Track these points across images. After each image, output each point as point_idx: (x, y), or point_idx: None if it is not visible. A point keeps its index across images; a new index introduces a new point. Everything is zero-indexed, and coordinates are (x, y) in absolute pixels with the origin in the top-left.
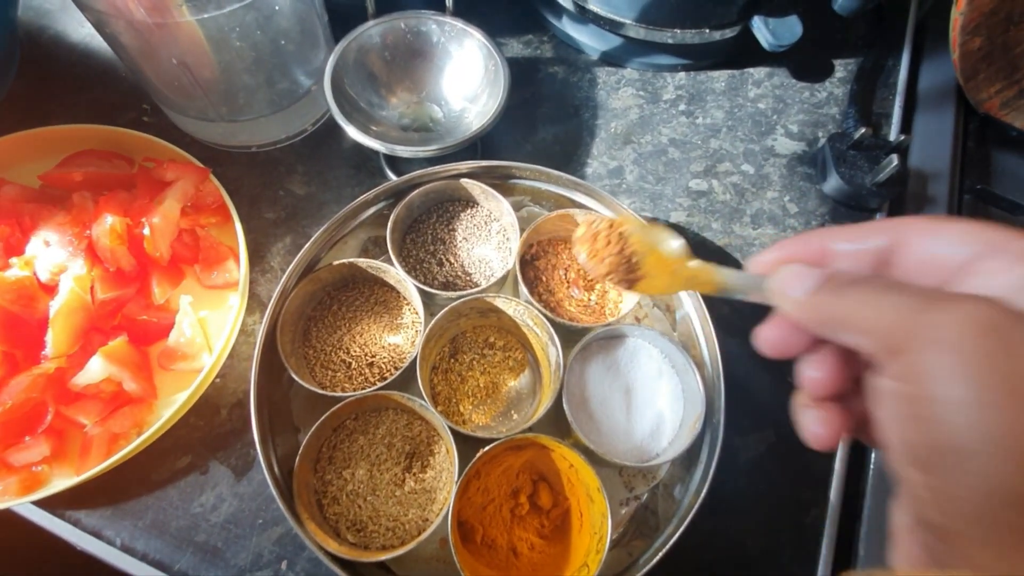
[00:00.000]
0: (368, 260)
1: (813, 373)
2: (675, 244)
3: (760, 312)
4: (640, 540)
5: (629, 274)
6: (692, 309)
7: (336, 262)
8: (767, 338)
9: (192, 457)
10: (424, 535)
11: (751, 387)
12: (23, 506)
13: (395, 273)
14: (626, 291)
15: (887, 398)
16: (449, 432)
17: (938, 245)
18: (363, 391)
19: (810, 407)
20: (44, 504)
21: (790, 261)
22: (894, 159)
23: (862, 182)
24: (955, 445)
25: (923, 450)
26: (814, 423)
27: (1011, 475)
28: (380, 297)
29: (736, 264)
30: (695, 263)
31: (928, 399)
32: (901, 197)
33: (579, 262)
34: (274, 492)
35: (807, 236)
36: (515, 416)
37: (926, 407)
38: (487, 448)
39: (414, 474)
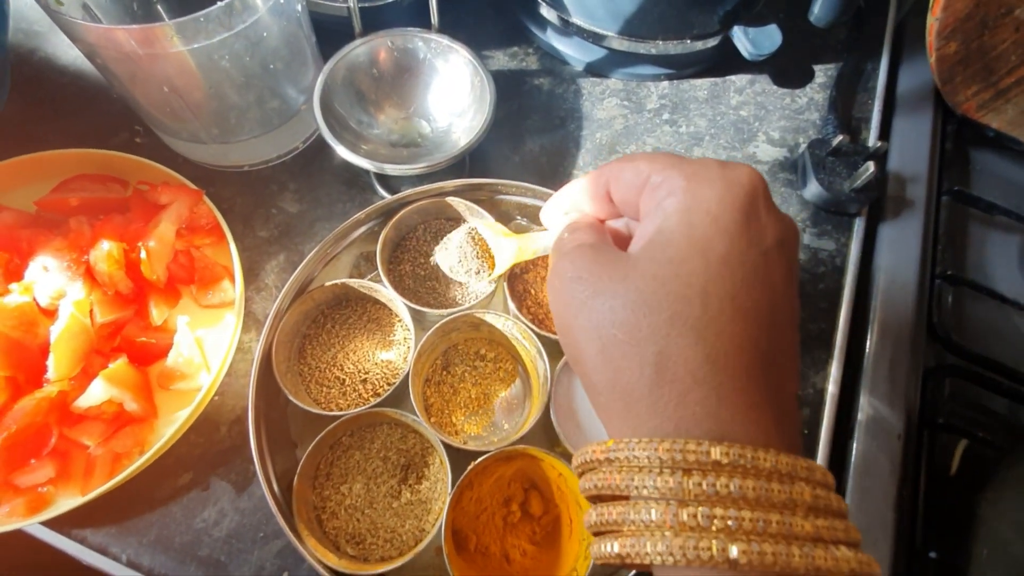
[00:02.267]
0: (360, 280)
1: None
2: (487, 231)
3: None
4: None
5: (480, 268)
6: None
7: (329, 283)
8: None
9: (193, 474)
10: (421, 545)
11: None
12: (31, 526)
13: (386, 292)
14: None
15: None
16: (442, 446)
17: (627, 176)
18: (358, 409)
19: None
20: (51, 524)
21: (559, 211)
22: (871, 166)
23: (840, 188)
24: (575, 355)
25: (570, 357)
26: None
27: (587, 373)
28: (372, 315)
29: None
30: (518, 237)
31: (557, 323)
32: (879, 200)
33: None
34: (273, 508)
35: (572, 185)
36: (506, 426)
37: (559, 327)
38: (479, 460)
39: (410, 486)
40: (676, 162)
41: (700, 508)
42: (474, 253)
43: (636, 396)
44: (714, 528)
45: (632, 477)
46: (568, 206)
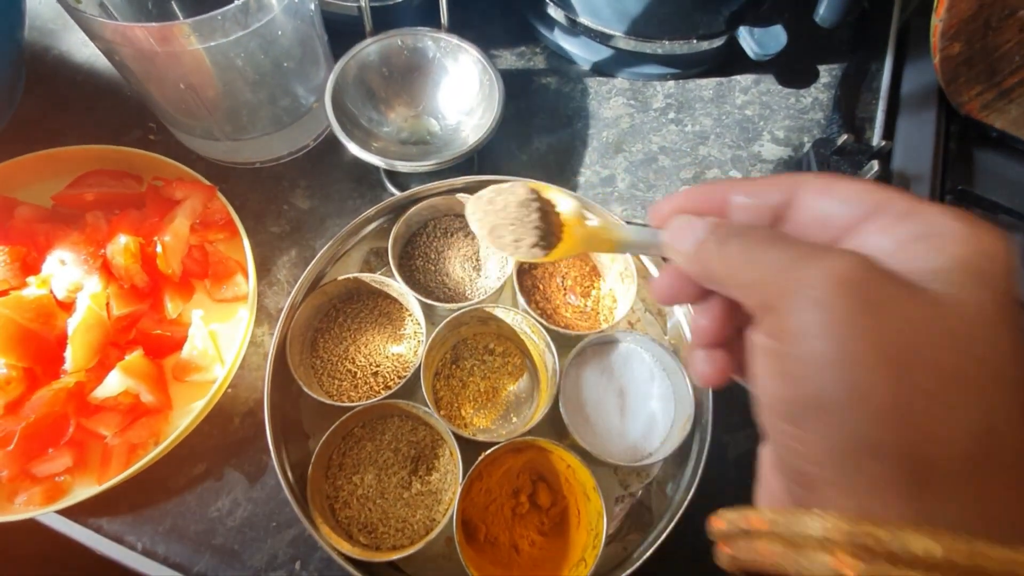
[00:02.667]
0: (371, 275)
1: (701, 321)
2: (569, 204)
3: None
4: (635, 534)
5: (538, 242)
6: (682, 316)
7: (341, 277)
8: (659, 287)
9: (207, 464)
10: (432, 535)
11: (738, 386)
12: (48, 516)
13: (397, 287)
14: (533, 260)
15: (759, 353)
16: (452, 436)
17: (828, 204)
18: (370, 401)
19: (699, 351)
20: (67, 513)
21: (685, 212)
22: (875, 165)
23: None
24: (820, 401)
25: (791, 405)
26: (701, 363)
27: (868, 427)
28: (384, 309)
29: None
30: (593, 221)
31: (794, 357)
32: None
33: (478, 236)
34: (289, 497)
35: (710, 187)
36: (514, 419)
37: (793, 364)
38: (489, 451)
39: (420, 477)
40: (910, 196)
41: None
42: (533, 220)
43: (940, 471)
44: None
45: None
46: (706, 208)
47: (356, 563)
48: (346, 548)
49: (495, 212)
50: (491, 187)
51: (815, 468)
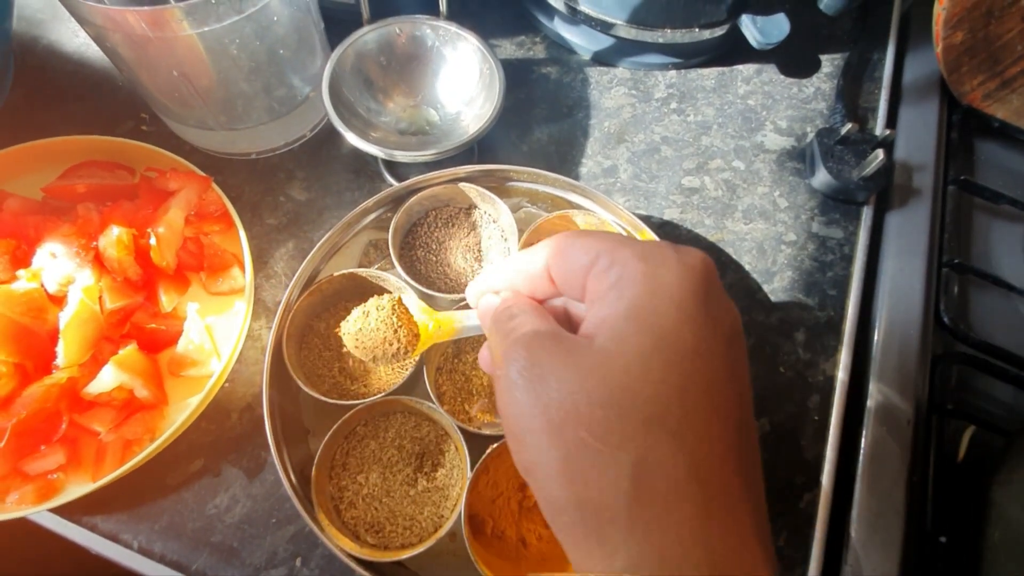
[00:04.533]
0: (368, 270)
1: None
2: (414, 304)
3: (752, 305)
4: None
5: (400, 346)
6: None
7: (338, 273)
8: (482, 358)
9: (205, 460)
10: (442, 531)
11: (757, 377)
12: (41, 514)
13: (394, 281)
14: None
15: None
16: (458, 431)
17: (569, 259)
18: (373, 398)
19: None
20: (61, 511)
21: (488, 290)
22: (880, 154)
23: (849, 176)
24: (522, 466)
25: (520, 466)
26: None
27: (552, 487)
28: None
29: (726, 259)
30: (440, 315)
31: (505, 428)
32: (887, 189)
33: (356, 355)
34: (291, 496)
35: (505, 263)
36: None
37: (506, 435)
38: (496, 444)
39: (425, 473)
40: (626, 242)
41: None
42: (392, 326)
43: (608, 516)
44: None
45: None
46: (501, 284)
47: (364, 563)
48: (354, 549)
49: (358, 327)
50: (355, 312)
51: (552, 525)
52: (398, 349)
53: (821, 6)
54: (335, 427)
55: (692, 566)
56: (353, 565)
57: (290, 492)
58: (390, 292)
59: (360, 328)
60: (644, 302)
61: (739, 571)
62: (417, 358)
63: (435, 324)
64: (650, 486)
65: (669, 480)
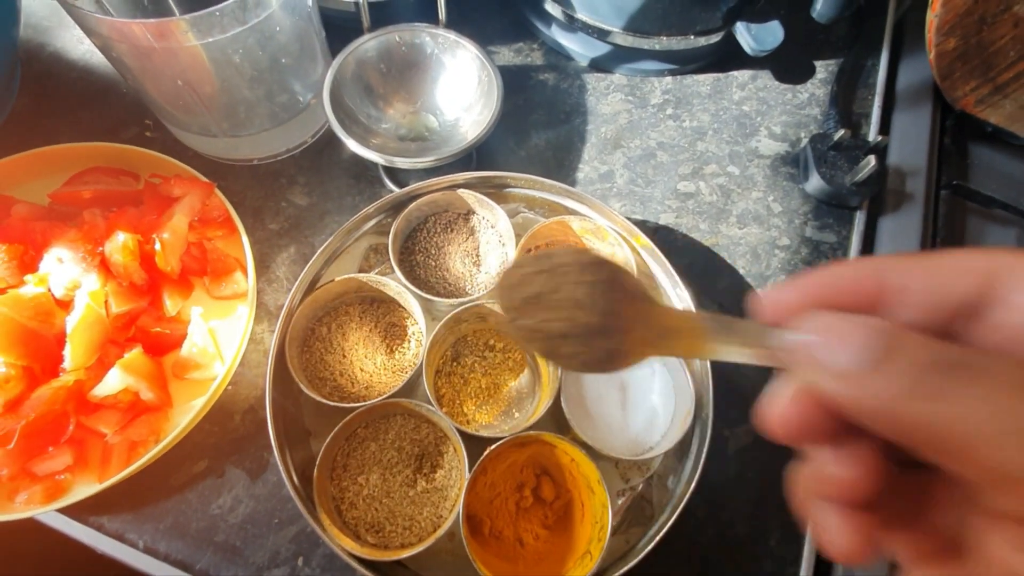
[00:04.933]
0: (370, 275)
1: (846, 472)
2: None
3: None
4: (637, 528)
5: (595, 340)
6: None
7: (340, 278)
8: (780, 419)
9: (208, 461)
10: (440, 531)
11: (738, 381)
12: (48, 515)
13: (395, 286)
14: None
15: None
16: (456, 433)
17: (948, 274)
18: (372, 400)
19: (833, 515)
20: (68, 511)
21: (824, 304)
22: (872, 160)
23: (842, 181)
24: None
25: None
26: (840, 532)
27: None
28: (381, 308)
29: (720, 263)
30: (676, 311)
31: None
32: (880, 194)
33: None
34: (294, 497)
35: (854, 267)
36: (516, 414)
37: None
38: (494, 446)
39: (425, 475)
40: None
41: None
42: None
43: None
44: None
45: None
46: (852, 299)
47: (365, 563)
48: (355, 548)
49: (561, 317)
50: (529, 258)
51: None
52: (609, 353)
53: (814, 14)
54: (336, 429)
55: None
56: (354, 564)
57: (292, 493)
58: (394, 296)
59: (542, 295)
60: None
61: None
62: (417, 362)
63: (659, 330)
64: None
65: None
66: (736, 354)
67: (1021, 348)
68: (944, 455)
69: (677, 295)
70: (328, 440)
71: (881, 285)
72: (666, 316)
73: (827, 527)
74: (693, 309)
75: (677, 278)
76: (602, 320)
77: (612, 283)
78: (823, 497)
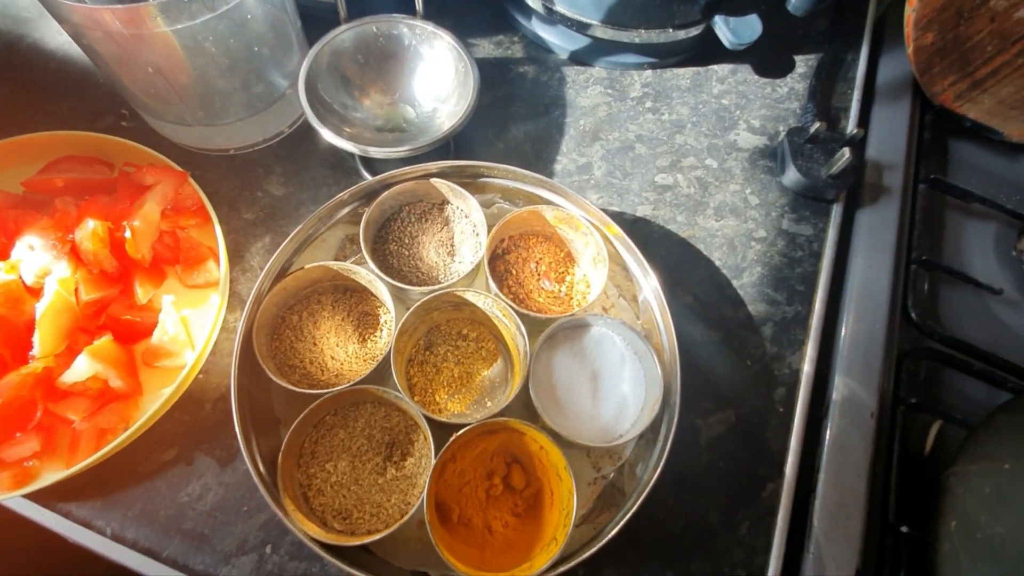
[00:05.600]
0: (340, 263)
1: None
2: None
3: (721, 300)
4: (606, 515)
5: None
6: (652, 298)
7: (309, 265)
8: None
9: (178, 449)
10: (405, 518)
11: (712, 372)
12: (15, 501)
13: (365, 274)
14: None
15: None
16: (424, 420)
17: None
18: (340, 387)
19: None
20: (36, 497)
21: None
22: (847, 152)
23: (818, 174)
24: None
25: None
26: None
27: None
28: (353, 297)
29: (696, 255)
30: None
31: None
32: (857, 187)
33: None
34: (258, 483)
35: None
36: (489, 403)
37: None
38: (460, 432)
39: (395, 462)
40: None
41: None
42: None
43: None
44: None
45: None
46: None
47: (329, 548)
48: (319, 534)
49: None
50: None
51: None
52: None
53: (789, 7)
54: (303, 415)
55: None
56: (317, 550)
57: (256, 480)
58: (364, 284)
59: None
60: None
61: None
62: (387, 350)
63: None
64: None
65: None
66: None
67: None
68: None
69: (648, 284)
70: (294, 425)
71: None
72: None
73: None
74: (663, 296)
75: (648, 267)
76: None
77: None
78: None
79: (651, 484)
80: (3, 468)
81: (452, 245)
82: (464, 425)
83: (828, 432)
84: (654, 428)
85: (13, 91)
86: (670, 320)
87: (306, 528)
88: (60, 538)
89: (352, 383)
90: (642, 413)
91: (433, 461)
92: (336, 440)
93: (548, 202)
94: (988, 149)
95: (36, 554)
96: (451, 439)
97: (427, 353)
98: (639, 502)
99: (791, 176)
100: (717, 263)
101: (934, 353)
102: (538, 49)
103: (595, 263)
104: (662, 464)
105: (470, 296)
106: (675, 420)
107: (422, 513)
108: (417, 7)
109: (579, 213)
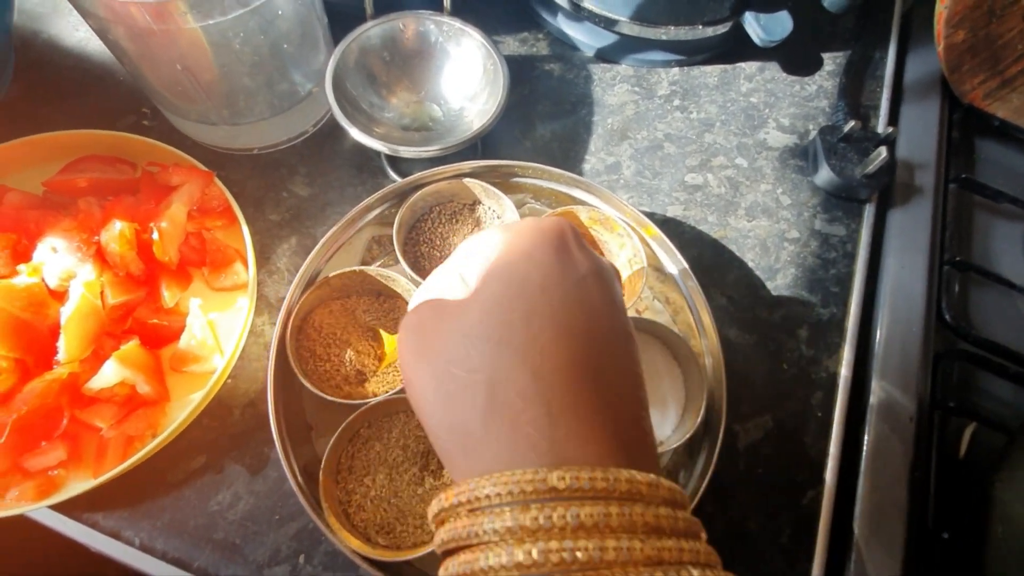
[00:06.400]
0: (376, 268)
1: None
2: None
3: (755, 302)
4: None
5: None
6: (692, 301)
7: (344, 270)
8: None
9: (207, 457)
10: None
11: (749, 375)
12: (40, 512)
13: (404, 282)
14: None
15: None
16: None
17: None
18: (376, 399)
19: None
20: (62, 508)
21: None
22: (883, 151)
23: (852, 173)
24: (418, 404)
25: (416, 409)
26: None
27: (432, 418)
28: (388, 303)
29: (729, 256)
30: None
31: (403, 376)
32: (889, 187)
33: None
34: (297, 492)
35: None
36: None
37: (405, 378)
38: None
39: (432, 472)
40: (502, 226)
41: (537, 545)
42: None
43: (471, 429)
44: (550, 564)
45: (474, 522)
46: None
47: (376, 564)
48: (366, 551)
49: None
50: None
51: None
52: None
53: (825, 3)
54: (339, 431)
55: (538, 455)
56: (366, 567)
57: (297, 491)
58: (400, 292)
59: None
60: (501, 258)
61: (583, 459)
62: None
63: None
64: (501, 398)
65: (516, 388)
66: None
67: None
68: None
69: (687, 287)
70: (332, 442)
71: None
72: None
73: None
74: (704, 299)
75: (688, 268)
76: None
77: None
78: None
79: (700, 493)
80: (28, 478)
81: None
82: None
83: (867, 437)
84: (695, 435)
85: (29, 89)
86: (712, 324)
87: (353, 545)
88: (86, 549)
89: (391, 393)
90: (684, 419)
91: None
92: (372, 453)
93: (581, 202)
94: (1017, 148)
95: (62, 566)
96: None
97: None
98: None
99: (824, 175)
100: (750, 264)
101: (968, 355)
102: (563, 47)
103: (631, 264)
104: (709, 475)
105: None
106: (721, 429)
107: None
108: (444, 3)
109: (615, 214)
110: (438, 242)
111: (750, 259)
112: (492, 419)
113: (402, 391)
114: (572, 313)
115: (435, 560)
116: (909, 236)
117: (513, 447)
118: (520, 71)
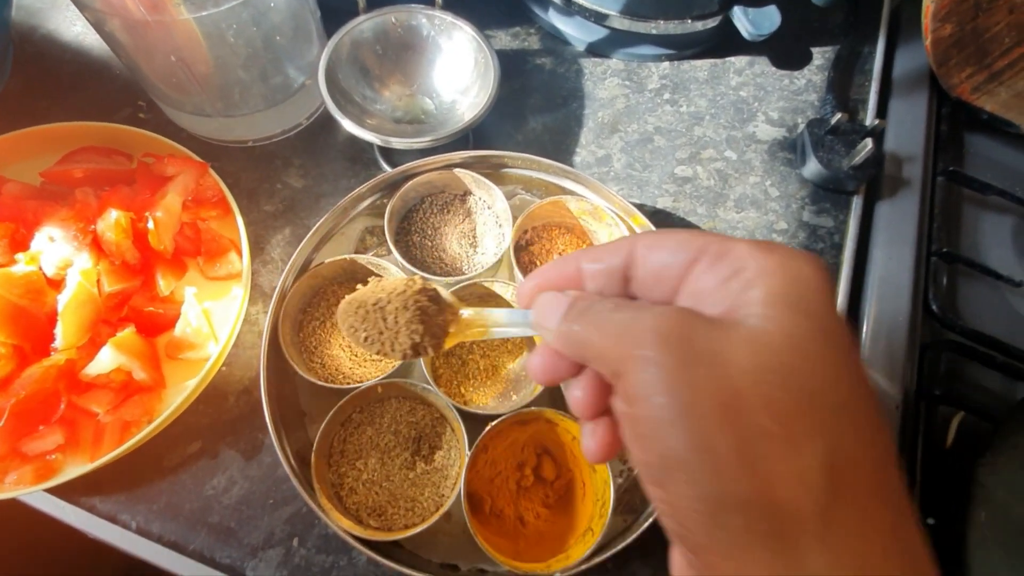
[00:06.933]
0: (366, 256)
1: (575, 393)
2: (445, 296)
3: None
4: (636, 505)
5: (418, 345)
6: None
7: (335, 258)
8: (535, 367)
9: (202, 442)
10: (443, 509)
11: None
12: (39, 496)
13: (394, 271)
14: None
15: (620, 420)
16: (455, 411)
17: (659, 256)
18: (368, 382)
19: (584, 425)
20: (59, 492)
21: (547, 288)
22: (869, 143)
23: (839, 166)
24: (671, 460)
25: (650, 468)
26: (585, 438)
27: (718, 480)
28: None
29: None
30: (466, 312)
31: (643, 418)
32: (877, 179)
33: (356, 345)
34: (291, 477)
35: (564, 260)
36: (514, 397)
37: (643, 426)
38: (495, 422)
39: (423, 456)
40: (729, 238)
41: None
42: (412, 320)
43: (797, 517)
44: None
45: None
46: (563, 282)
47: (368, 543)
48: (358, 531)
49: (377, 327)
50: (363, 293)
51: (688, 531)
52: (414, 348)
53: None
54: (330, 415)
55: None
56: (357, 546)
57: (290, 475)
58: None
59: (367, 313)
60: (788, 288)
61: None
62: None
63: (459, 325)
64: (846, 483)
65: (862, 477)
66: (510, 331)
67: (647, 286)
68: (592, 362)
69: None
70: (323, 425)
71: (579, 270)
72: (460, 317)
73: (583, 435)
74: None
75: None
76: (409, 336)
77: (418, 304)
78: (577, 412)
79: None
80: (26, 462)
81: (474, 236)
82: (498, 416)
83: None
84: None
85: (27, 83)
86: None
87: (345, 525)
88: (83, 534)
89: (380, 378)
90: None
91: (466, 452)
92: (364, 438)
93: (571, 193)
94: (1004, 142)
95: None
96: (486, 429)
97: (454, 346)
98: None
99: (812, 167)
100: None
101: (955, 345)
102: (555, 41)
103: None
104: None
105: (498, 288)
106: None
107: (454, 507)
108: None
109: (604, 204)
110: (429, 232)
111: None
112: (836, 511)
113: (392, 375)
114: (866, 380)
115: (424, 540)
116: (897, 228)
117: (864, 557)
118: (512, 65)
